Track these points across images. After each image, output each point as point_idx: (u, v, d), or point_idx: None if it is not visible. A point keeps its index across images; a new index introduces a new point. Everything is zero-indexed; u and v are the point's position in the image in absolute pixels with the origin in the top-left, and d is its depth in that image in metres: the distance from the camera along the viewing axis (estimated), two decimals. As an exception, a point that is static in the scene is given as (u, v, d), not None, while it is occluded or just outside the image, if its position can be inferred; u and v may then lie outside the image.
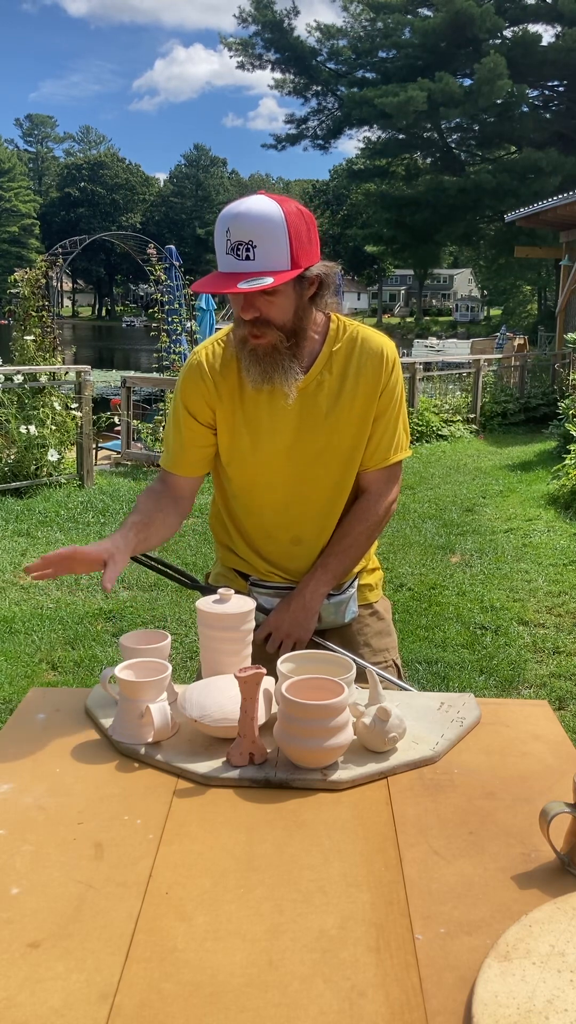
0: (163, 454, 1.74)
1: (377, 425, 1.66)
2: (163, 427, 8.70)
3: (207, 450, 1.68)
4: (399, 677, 1.81)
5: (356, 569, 1.76)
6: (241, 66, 44.05)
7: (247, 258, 1.42)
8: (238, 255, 1.42)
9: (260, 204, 1.43)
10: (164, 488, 1.71)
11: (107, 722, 1.36)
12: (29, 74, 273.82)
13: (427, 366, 12.38)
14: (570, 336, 10.70)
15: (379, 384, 1.64)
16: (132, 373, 12.76)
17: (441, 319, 66.14)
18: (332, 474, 1.66)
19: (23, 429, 7.22)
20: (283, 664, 1.37)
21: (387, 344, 1.67)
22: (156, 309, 10.26)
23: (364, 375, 1.63)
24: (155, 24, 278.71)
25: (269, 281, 1.41)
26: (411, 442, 1.77)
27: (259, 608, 1.65)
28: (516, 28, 35.46)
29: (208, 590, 1.62)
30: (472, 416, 12.00)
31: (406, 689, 1.63)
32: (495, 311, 60.15)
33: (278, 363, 1.52)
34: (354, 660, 1.49)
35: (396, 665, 1.82)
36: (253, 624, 1.47)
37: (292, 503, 1.66)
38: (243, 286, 1.40)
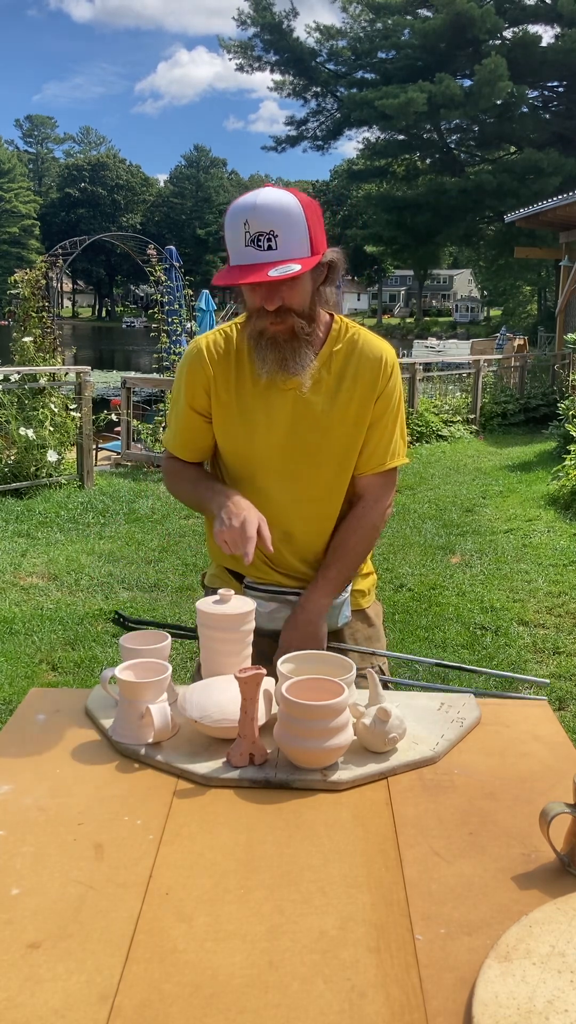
0: (166, 434, 1.77)
1: (374, 430, 1.66)
2: (164, 428, 8.70)
3: (205, 440, 1.71)
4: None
5: None
6: (241, 68, 44.06)
7: (269, 248, 1.43)
8: (259, 246, 1.43)
9: (275, 195, 1.45)
10: (183, 464, 1.75)
11: (107, 723, 1.36)
12: (32, 76, 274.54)
13: (427, 367, 12.38)
14: (570, 336, 10.71)
15: (376, 388, 1.64)
16: (132, 374, 12.77)
17: (441, 320, 66.12)
18: (325, 474, 1.66)
19: (21, 431, 7.22)
20: (283, 664, 1.37)
21: (387, 349, 1.67)
22: (156, 310, 10.26)
23: (362, 378, 1.63)
24: (158, 28, 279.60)
25: (297, 268, 1.44)
26: (411, 443, 1.78)
27: (261, 631, 1.63)
28: (516, 29, 35.44)
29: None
30: (472, 417, 12.00)
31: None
32: (495, 312, 60.15)
33: (296, 349, 1.54)
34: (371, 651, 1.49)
35: (382, 669, 1.82)
36: (253, 625, 1.47)
37: (284, 499, 1.66)
38: (274, 274, 1.42)
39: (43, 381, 7.61)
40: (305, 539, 1.69)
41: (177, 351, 9.86)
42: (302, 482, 1.65)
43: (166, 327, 10.02)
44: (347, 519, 1.71)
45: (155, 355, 10.49)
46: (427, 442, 10.74)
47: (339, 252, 1.56)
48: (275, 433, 1.62)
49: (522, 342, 18.93)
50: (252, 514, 1.51)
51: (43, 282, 8.57)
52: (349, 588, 1.77)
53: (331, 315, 1.64)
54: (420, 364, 11.57)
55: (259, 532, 1.49)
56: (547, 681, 2.23)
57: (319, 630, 1.66)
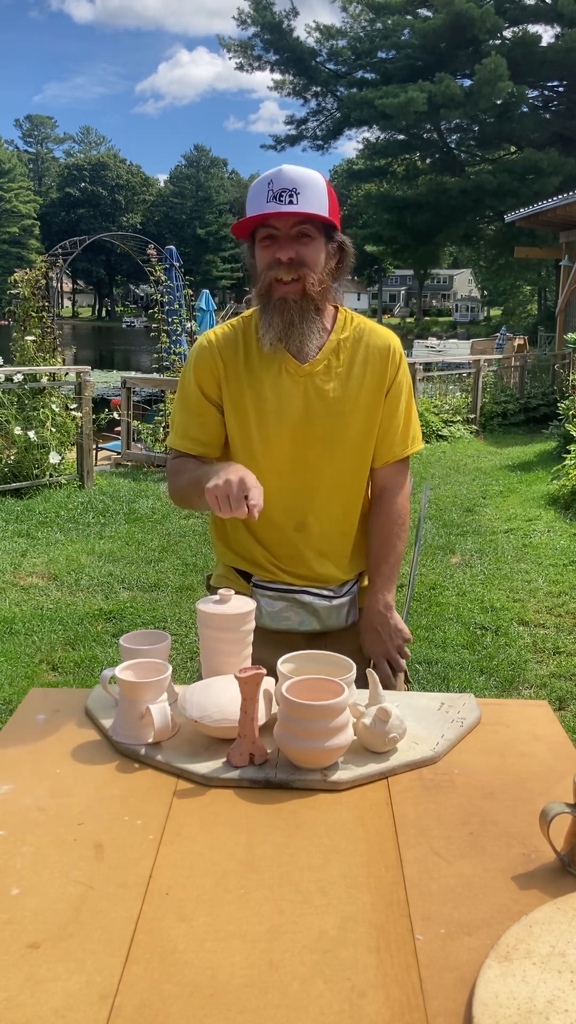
0: (172, 435, 1.71)
1: (391, 420, 1.69)
2: (164, 427, 8.70)
3: (216, 430, 1.67)
4: (405, 678, 1.81)
5: (357, 573, 1.77)
6: (241, 67, 43.99)
7: (291, 202, 1.49)
8: (281, 200, 1.49)
9: (299, 167, 1.53)
10: (188, 458, 1.68)
11: (107, 723, 1.36)
12: (32, 76, 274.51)
13: (427, 366, 12.39)
14: (570, 336, 10.71)
15: (385, 379, 1.67)
16: (132, 374, 12.77)
17: (441, 319, 66.13)
18: (340, 462, 1.66)
19: (19, 430, 7.21)
20: (283, 664, 1.37)
21: (393, 339, 1.70)
22: (156, 310, 10.27)
23: (371, 366, 1.65)
24: (159, 29, 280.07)
25: (322, 213, 1.52)
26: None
27: (267, 630, 1.61)
28: (516, 29, 35.40)
29: None
30: (472, 416, 12.00)
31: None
32: (495, 311, 60.16)
33: (305, 312, 1.55)
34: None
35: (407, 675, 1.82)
36: (253, 625, 1.47)
37: (297, 488, 1.65)
38: (295, 209, 1.49)
39: (43, 381, 7.61)
40: (321, 531, 1.68)
41: (177, 351, 9.87)
42: (317, 471, 1.65)
43: (166, 327, 10.03)
44: (378, 515, 1.73)
45: (155, 355, 10.49)
46: (427, 442, 10.74)
47: (349, 241, 1.61)
48: (287, 418, 1.62)
49: (522, 342, 18.95)
50: (250, 476, 1.41)
51: (43, 282, 8.57)
52: (355, 587, 1.77)
53: (335, 307, 1.67)
54: (420, 364, 11.57)
55: (250, 497, 1.38)
56: None
57: (393, 621, 1.70)
